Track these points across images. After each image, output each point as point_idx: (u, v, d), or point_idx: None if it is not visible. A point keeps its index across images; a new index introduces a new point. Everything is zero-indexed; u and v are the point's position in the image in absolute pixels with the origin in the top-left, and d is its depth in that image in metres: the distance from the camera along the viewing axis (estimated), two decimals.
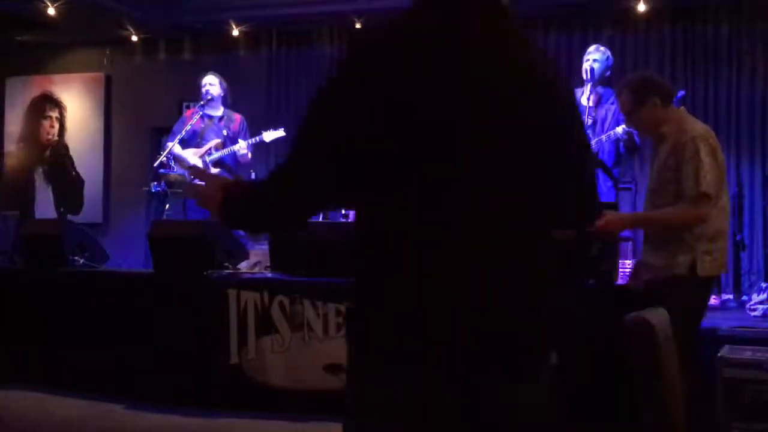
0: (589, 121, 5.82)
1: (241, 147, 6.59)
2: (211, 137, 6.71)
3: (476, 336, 1.57)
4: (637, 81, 3.77)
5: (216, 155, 6.65)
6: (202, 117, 6.77)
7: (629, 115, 3.74)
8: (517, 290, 1.60)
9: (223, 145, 6.66)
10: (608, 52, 6.10)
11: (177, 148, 6.74)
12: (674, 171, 3.63)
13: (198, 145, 6.72)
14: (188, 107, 6.91)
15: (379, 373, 1.60)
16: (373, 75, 1.58)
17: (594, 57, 5.99)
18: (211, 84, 6.74)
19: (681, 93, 5.93)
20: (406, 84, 1.56)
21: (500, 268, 1.59)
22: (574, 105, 1.76)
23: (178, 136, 6.70)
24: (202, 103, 6.73)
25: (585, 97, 6.01)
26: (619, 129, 5.59)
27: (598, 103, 5.97)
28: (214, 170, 6.64)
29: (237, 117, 6.82)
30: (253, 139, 6.64)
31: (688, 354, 3.65)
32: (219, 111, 6.79)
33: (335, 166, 1.61)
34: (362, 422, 1.63)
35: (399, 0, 1.75)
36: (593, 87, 5.98)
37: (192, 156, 6.69)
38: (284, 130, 6.68)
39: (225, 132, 6.68)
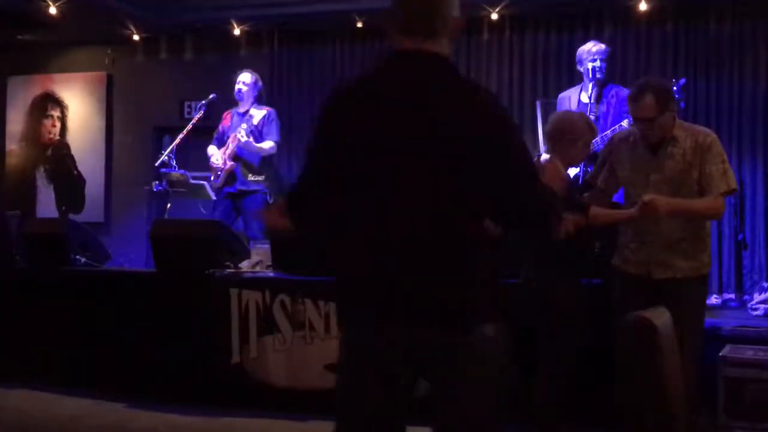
0: (593, 117, 5.80)
1: (242, 135, 6.52)
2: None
3: (390, 300, 2.12)
4: (662, 88, 3.77)
5: (231, 148, 6.63)
6: (232, 116, 6.80)
7: (652, 120, 3.70)
8: (423, 269, 2.11)
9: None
10: (608, 49, 6.11)
11: (211, 151, 6.75)
12: (698, 169, 3.71)
13: (226, 143, 6.74)
14: (204, 107, 6.95)
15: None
16: (323, 121, 2.27)
17: (600, 57, 5.98)
18: (244, 83, 6.75)
19: (682, 81, 5.93)
20: (332, 125, 2.24)
21: (407, 253, 2.11)
22: (499, 130, 2.16)
23: (180, 135, 6.74)
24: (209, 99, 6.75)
25: (587, 95, 6.00)
26: (624, 123, 5.58)
27: (599, 99, 5.97)
28: (229, 164, 6.63)
29: (264, 111, 6.78)
30: (247, 127, 6.60)
31: (696, 349, 3.66)
32: (244, 107, 6.79)
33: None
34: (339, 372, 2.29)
35: None
36: (597, 85, 5.98)
37: (217, 154, 6.70)
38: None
39: (245, 126, 6.63)
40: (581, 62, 6.09)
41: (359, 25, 7.94)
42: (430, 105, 2.12)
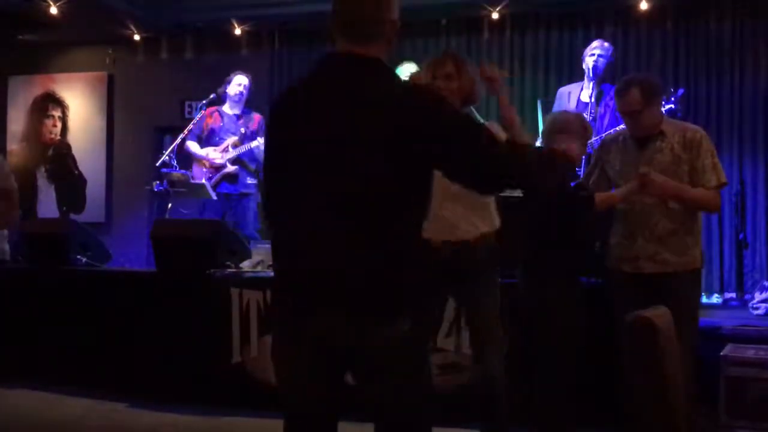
0: (589, 118, 5.78)
1: (260, 143, 6.58)
2: (229, 135, 6.73)
3: (312, 288, 2.20)
4: (647, 82, 3.81)
5: (233, 153, 6.66)
6: (220, 115, 6.80)
7: (637, 114, 3.72)
8: (340, 256, 2.17)
9: (241, 143, 6.67)
10: (611, 48, 6.08)
11: (195, 147, 6.77)
12: (687, 163, 3.75)
13: (217, 143, 6.74)
14: (205, 107, 6.96)
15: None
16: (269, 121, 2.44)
17: (598, 53, 5.96)
18: (245, 86, 6.79)
19: (681, 91, 5.93)
20: (273, 126, 2.39)
21: (329, 243, 2.17)
22: (416, 120, 2.18)
23: (181, 135, 6.74)
24: (210, 99, 6.76)
25: (587, 93, 5.99)
26: (620, 128, 5.57)
27: (599, 99, 5.95)
28: (231, 168, 6.66)
29: (256, 117, 6.82)
30: (245, 131, 6.66)
31: (693, 347, 3.66)
32: (237, 110, 6.81)
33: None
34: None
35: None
36: (597, 83, 5.96)
37: (213, 153, 6.70)
38: None
39: (243, 130, 6.68)
40: (583, 59, 6.08)
41: None
42: (360, 105, 2.19)
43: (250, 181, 6.79)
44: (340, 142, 2.18)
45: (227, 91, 6.78)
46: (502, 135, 3.46)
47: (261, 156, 6.64)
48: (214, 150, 6.70)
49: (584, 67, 6.08)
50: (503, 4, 7.34)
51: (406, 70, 6.07)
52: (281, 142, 2.32)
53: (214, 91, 6.97)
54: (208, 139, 6.78)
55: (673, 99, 5.70)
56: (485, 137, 2.25)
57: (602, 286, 4.14)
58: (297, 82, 2.43)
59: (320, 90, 2.28)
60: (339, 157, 2.18)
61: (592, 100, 5.90)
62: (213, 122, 6.79)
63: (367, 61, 2.25)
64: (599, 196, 3.81)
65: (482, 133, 2.27)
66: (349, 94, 2.22)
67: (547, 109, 6.41)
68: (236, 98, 6.77)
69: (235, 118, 6.78)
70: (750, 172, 7.07)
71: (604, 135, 5.61)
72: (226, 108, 6.82)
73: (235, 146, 6.67)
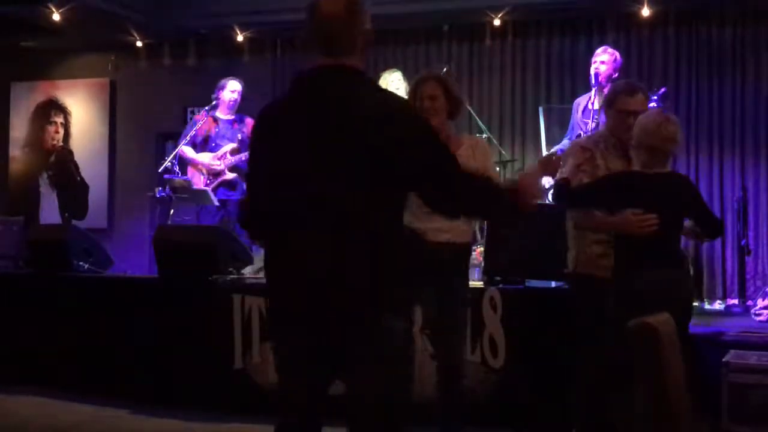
0: (593, 125, 5.75)
1: None
2: (225, 141, 6.70)
3: (312, 302, 2.28)
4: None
5: (231, 160, 6.63)
6: (214, 120, 6.78)
7: (637, 115, 3.77)
8: (334, 268, 2.26)
9: (239, 150, 6.63)
10: (616, 54, 6.03)
11: (190, 152, 6.73)
12: None
13: (213, 149, 6.70)
14: (196, 112, 6.93)
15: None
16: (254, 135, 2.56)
17: (601, 59, 5.91)
18: (239, 92, 6.74)
19: (663, 90, 5.92)
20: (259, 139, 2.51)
21: (322, 259, 2.26)
22: (404, 134, 2.30)
23: (183, 140, 6.73)
24: (212, 105, 6.75)
25: (591, 101, 5.96)
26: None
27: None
28: (230, 175, 6.64)
29: (249, 121, 6.78)
30: (241, 137, 6.65)
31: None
32: (231, 115, 6.79)
33: None
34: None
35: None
36: (599, 90, 5.92)
37: (210, 159, 6.65)
38: None
39: (240, 136, 6.65)
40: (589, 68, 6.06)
41: None
42: (351, 115, 2.30)
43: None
44: (322, 152, 2.28)
45: (221, 96, 6.75)
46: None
47: None
48: (213, 156, 6.67)
49: (591, 74, 6.04)
50: (505, 10, 7.35)
51: (394, 79, 6.10)
52: (267, 154, 2.42)
53: (215, 99, 6.98)
54: (204, 144, 6.75)
55: (655, 98, 5.68)
56: (456, 164, 2.38)
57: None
58: (281, 96, 2.53)
59: (314, 103, 2.36)
60: (321, 166, 2.28)
61: (596, 107, 5.87)
62: (207, 127, 6.76)
63: (350, 72, 2.38)
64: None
65: (454, 160, 2.39)
66: (340, 106, 2.31)
67: (549, 116, 6.41)
68: (231, 104, 6.75)
69: (230, 124, 6.76)
70: (752, 178, 7.07)
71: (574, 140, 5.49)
72: (220, 113, 6.79)
73: (233, 153, 6.64)
